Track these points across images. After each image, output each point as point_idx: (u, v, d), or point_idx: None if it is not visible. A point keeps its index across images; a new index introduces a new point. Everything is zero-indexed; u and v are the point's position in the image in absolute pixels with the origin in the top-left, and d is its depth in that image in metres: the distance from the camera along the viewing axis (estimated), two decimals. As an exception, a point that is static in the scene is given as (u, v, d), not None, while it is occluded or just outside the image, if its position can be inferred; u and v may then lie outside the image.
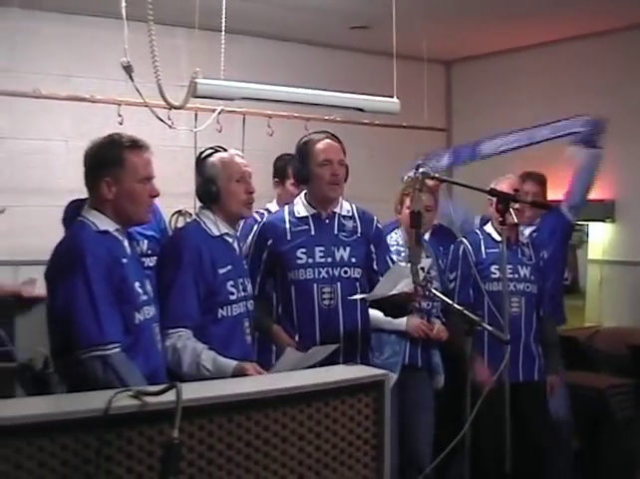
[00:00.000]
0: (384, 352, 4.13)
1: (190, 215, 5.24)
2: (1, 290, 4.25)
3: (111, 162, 2.85)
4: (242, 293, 3.37)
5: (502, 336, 3.09)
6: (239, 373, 3.00)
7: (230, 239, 3.42)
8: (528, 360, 4.37)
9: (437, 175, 3.39)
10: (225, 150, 3.46)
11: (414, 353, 4.22)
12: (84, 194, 2.97)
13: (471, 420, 2.92)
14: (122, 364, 2.66)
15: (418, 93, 6.32)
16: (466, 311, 3.06)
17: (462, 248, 4.48)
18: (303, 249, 3.62)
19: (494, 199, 3.78)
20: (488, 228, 4.54)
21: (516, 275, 4.40)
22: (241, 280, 3.38)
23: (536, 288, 4.48)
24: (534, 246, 4.59)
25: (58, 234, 3.00)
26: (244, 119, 5.83)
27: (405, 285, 3.43)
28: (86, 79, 5.78)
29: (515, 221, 4.10)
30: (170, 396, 1.95)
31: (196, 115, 5.28)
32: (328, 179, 3.64)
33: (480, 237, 4.54)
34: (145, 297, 2.91)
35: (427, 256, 3.86)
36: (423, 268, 3.30)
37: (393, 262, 3.88)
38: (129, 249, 2.94)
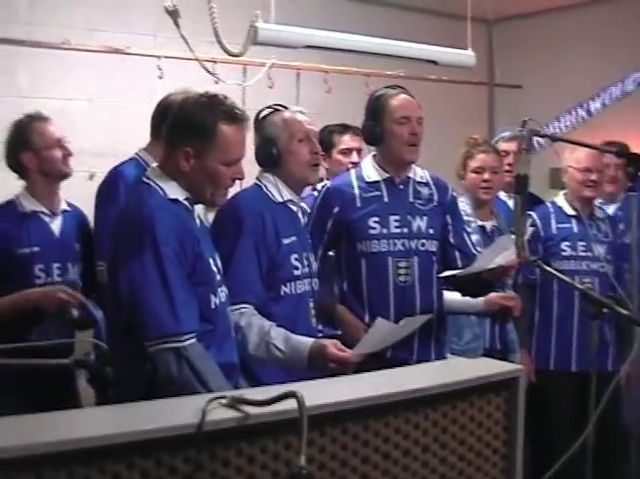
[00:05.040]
0: (463, 337, 3.70)
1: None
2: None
3: (198, 130, 2.35)
4: (307, 269, 2.97)
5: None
6: (318, 353, 2.54)
7: (295, 208, 3.01)
8: (602, 348, 3.81)
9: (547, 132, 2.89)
10: (286, 108, 3.05)
11: (493, 335, 3.80)
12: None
13: (594, 418, 2.46)
14: (199, 357, 2.21)
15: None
16: (590, 292, 2.59)
17: (529, 223, 3.96)
18: (376, 218, 3.23)
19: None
20: (560, 200, 4.07)
21: (590, 254, 3.92)
22: (306, 255, 2.99)
23: (612, 269, 3.96)
24: (612, 222, 4.09)
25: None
26: (298, 74, 5.33)
27: (503, 259, 3.01)
28: (111, 33, 5.19)
29: None
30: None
31: (245, 69, 4.82)
32: (406, 138, 3.24)
33: (551, 210, 4.06)
34: (219, 277, 2.46)
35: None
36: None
37: (467, 235, 3.51)
38: (198, 221, 2.46)
